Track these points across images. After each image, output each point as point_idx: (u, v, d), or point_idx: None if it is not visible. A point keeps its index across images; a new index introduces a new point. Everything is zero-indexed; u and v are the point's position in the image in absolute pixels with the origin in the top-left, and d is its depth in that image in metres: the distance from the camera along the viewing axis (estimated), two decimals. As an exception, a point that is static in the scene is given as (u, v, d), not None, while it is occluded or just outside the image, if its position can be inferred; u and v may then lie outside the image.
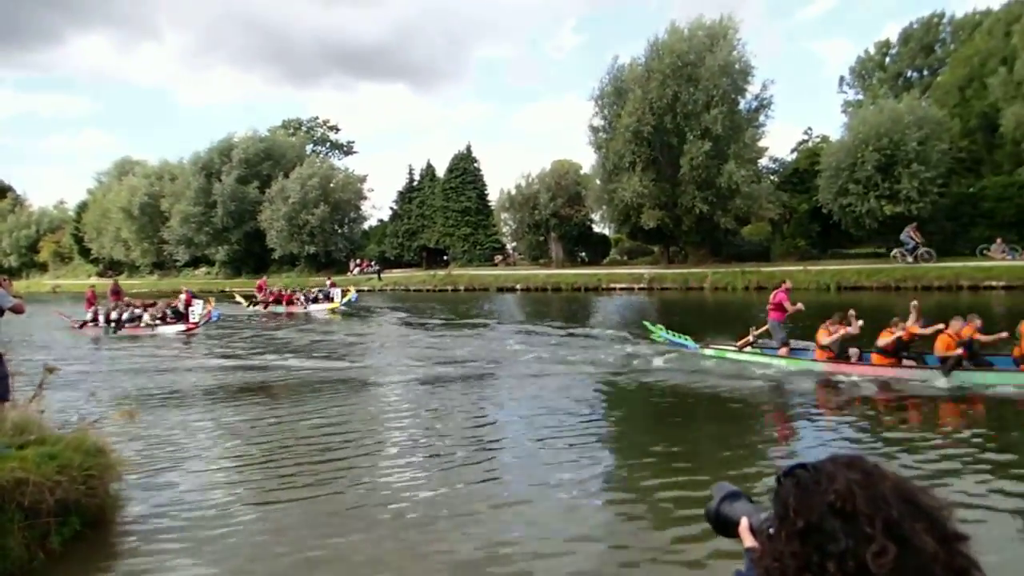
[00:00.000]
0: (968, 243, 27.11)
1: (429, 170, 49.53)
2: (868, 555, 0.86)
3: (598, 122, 34.56)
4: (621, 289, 31.39)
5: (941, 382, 9.25)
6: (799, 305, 11.74)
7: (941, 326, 9.69)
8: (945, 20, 46.29)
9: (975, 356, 9.47)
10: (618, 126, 32.23)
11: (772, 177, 35.30)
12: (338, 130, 70.41)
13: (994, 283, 22.71)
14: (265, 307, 27.86)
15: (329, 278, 32.66)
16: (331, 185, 49.09)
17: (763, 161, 34.89)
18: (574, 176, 40.82)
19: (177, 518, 5.55)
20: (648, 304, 25.47)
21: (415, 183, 49.94)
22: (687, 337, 13.00)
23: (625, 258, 42.65)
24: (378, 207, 70.95)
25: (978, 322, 9.56)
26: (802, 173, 33.95)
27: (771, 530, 0.99)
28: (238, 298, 29.87)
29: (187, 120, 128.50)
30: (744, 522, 1.23)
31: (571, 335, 16.43)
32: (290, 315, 26.11)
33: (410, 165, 51.38)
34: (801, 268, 27.83)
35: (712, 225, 32.21)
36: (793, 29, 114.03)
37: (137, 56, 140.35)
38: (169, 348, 17.19)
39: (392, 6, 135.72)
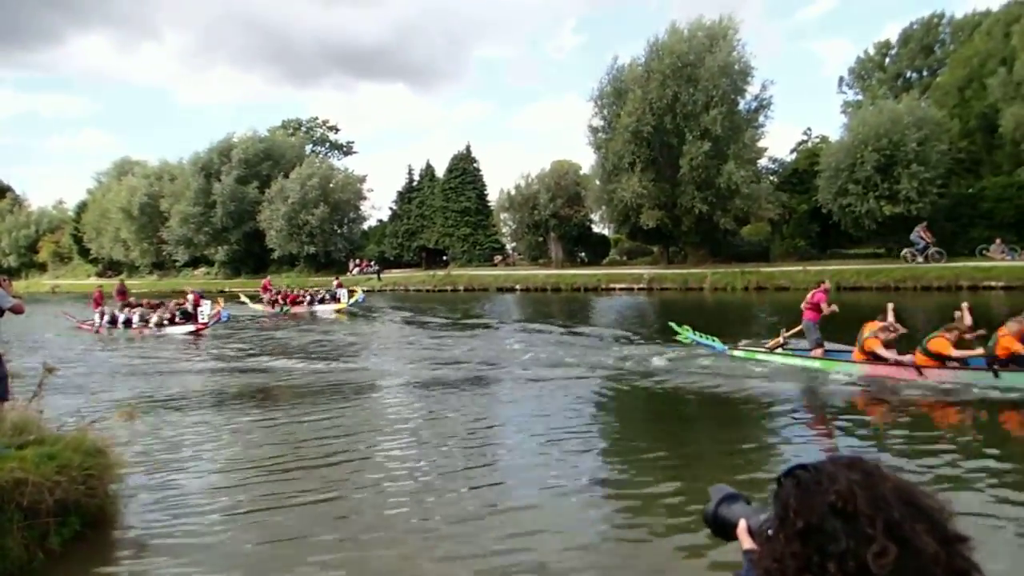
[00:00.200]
0: (967, 243, 27.13)
1: (429, 170, 49.53)
2: (869, 556, 0.86)
3: (598, 122, 34.60)
4: (621, 289, 31.39)
5: (987, 383, 8.84)
6: (833, 307, 11.36)
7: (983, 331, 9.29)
8: (944, 21, 46.32)
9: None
10: (618, 126, 32.23)
11: (772, 177, 35.30)
12: (338, 130, 70.54)
13: (993, 283, 22.73)
14: (273, 307, 27.69)
15: (336, 278, 32.52)
16: (331, 185, 49.08)
17: (763, 161, 34.92)
18: (574, 176, 40.81)
19: (177, 519, 5.55)
20: (648, 304, 25.48)
21: (415, 183, 49.93)
22: (714, 338, 12.74)
23: (625, 258, 42.66)
24: (378, 207, 70.77)
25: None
26: (802, 173, 33.96)
27: (770, 531, 1.00)
28: (243, 298, 29.72)
29: (187, 120, 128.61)
30: (742, 524, 1.22)
31: (571, 335, 16.43)
32: (296, 315, 25.95)
33: (410, 165, 51.44)
34: (801, 268, 27.84)
35: (712, 225, 32.22)
36: (793, 29, 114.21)
37: (137, 56, 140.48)
38: (174, 349, 17.12)
39: (392, 6, 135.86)
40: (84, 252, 65.40)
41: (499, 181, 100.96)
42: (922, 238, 26.20)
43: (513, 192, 41.64)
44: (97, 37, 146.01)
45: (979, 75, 32.65)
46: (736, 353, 12.10)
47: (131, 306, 22.48)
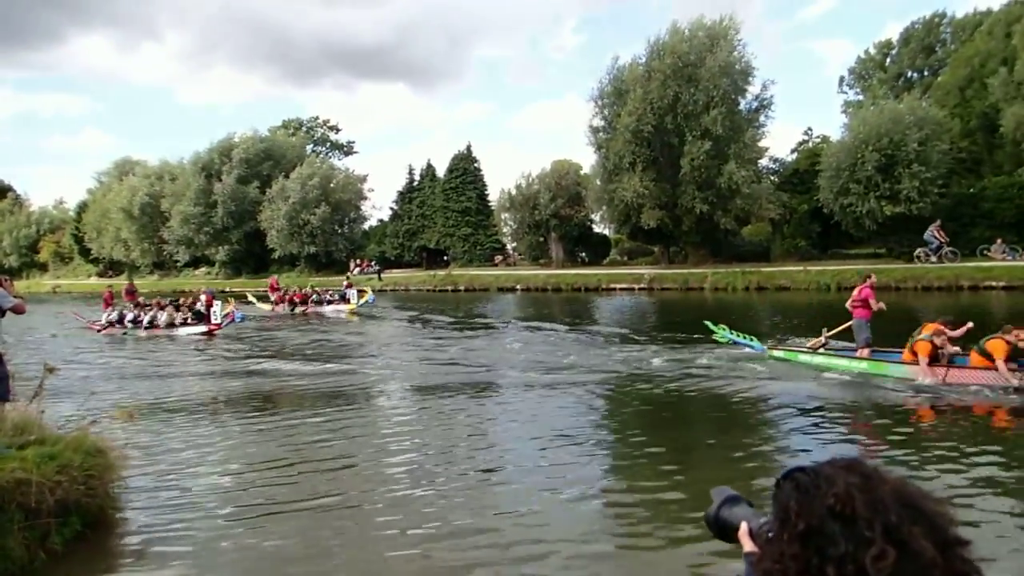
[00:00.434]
0: (968, 244, 27.10)
1: (429, 170, 49.53)
2: (867, 559, 0.86)
3: (598, 122, 34.59)
4: (621, 289, 31.40)
5: None
6: (881, 304, 10.90)
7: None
8: (945, 21, 46.27)
9: None
10: (618, 126, 32.23)
11: (772, 177, 35.27)
12: (338, 130, 70.56)
13: (994, 283, 22.72)
14: (281, 307, 27.56)
15: (347, 279, 32.36)
16: (331, 185, 49.09)
17: (763, 161, 34.86)
18: (574, 176, 40.82)
19: (178, 519, 5.55)
20: (648, 304, 25.48)
21: (415, 183, 49.93)
22: (752, 337, 12.46)
23: (625, 258, 42.67)
24: (378, 207, 70.86)
25: None
26: (802, 173, 33.95)
27: (770, 534, 1.00)
28: (250, 298, 29.56)
29: (188, 120, 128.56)
30: (744, 526, 1.22)
31: (572, 336, 16.44)
32: (306, 315, 25.81)
33: (410, 165, 51.41)
34: (801, 268, 27.85)
35: (712, 225, 32.21)
36: (793, 29, 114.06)
37: (137, 56, 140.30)
38: (180, 349, 17.08)
39: (392, 6, 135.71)
40: (85, 252, 65.43)
41: (500, 181, 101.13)
42: (936, 237, 26.00)
43: (514, 192, 41.65)
44: (98, 37, 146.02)
45: (980, 75, 32.62)
46: (776, 354, 11.76)
47: (141, 306, 22.27)
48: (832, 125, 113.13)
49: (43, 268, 71.32)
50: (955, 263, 24.97)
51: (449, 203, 46.88)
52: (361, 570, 4.70)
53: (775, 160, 37.26)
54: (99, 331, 21.46)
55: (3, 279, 7.19)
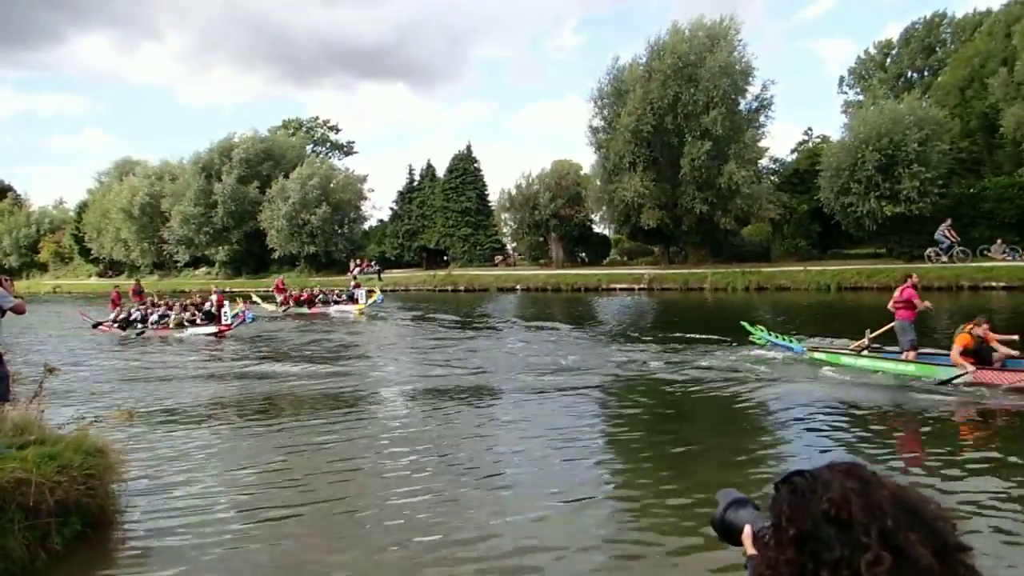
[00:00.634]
0: (968, 244, 27.08)
1: (429, 170, 49.54)
2: (863, 564, 0.85)
3: (598, 122, 34.61)
4: (621, 289, 31.41)
5: None
6: (927, 303, 10.61)
7: None
8: (946, 21, 46.27)
9: None
10: (618, 126, 32.23)
11: (772, 177, 35.30)
12: (338, 130, 70.61)
13: (994, 284, 22.73)
14: (287, 307, 27.40)
15: (354, 279, 32.27)
16: (331, 185, 49.09)
17: (763, 161, 34.90)
18: (574, 176, 40.83)
19: (178, 519, 5.55)
20: (648, 305, 25.48)
21: (415, 183, 49.94)
22: (792, 339, 12.10)
23: (625, 258, 42.68)
24: (378, 207, 71.00)
25: None
26: (802, 173, 33.96)
27: (767, 538, 0.99)
28: (255, 298, 29.40)
29: (188, 120, 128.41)
30: (747, 530, 1.21)
31: (572, 336, 16.44)
32: (312, 316, 25.70)
33: (410, 165, 51.43)
34: (801, 268, 27.87)
35: (712, 225, 32.21)
36: (793, 29, 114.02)
37: (137, 56, 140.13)
38: (185, 350, 17.00)
39: (392, 6, 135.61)
40: (85, 252, 65.44)
41: (499, 181, 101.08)
42: (947, 236, 25.87)
43: (514, 192, 41.66)
44: (98, 37, 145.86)
45: (980, 75, 32.61)
46: (817, 356, 11.37)
47: (154, 305, 21.98)
48: (832, 125, 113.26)
49: (43, 268, 71.33)
50: (966, 263, 24.90)
51: (449, 203, 46.88)
52: (361, 572, 4.69)
53: (775, 160, 37.35)
54: (107, 331, 21.29)
55: (3, 279, 7.20)
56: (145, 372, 13.65)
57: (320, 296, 27.84)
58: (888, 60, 49.41)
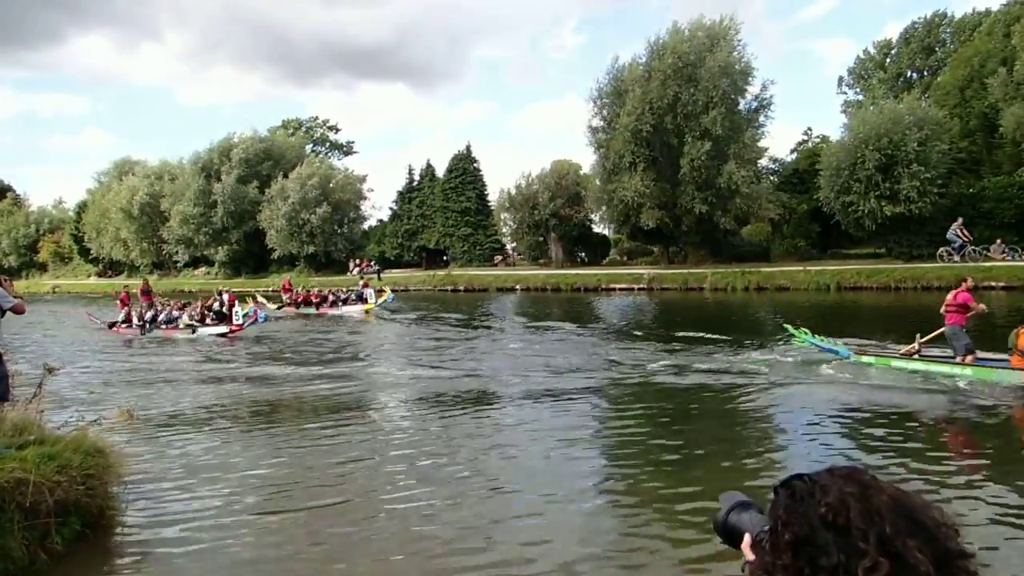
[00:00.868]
0: (968, 243, 27.12)
1: (429, 170, 49.51)
2: (860, 570, 0.85)
3: (598, 122, 34.57)
4: (621, 289, 31.40)
5: None
6: (982, 306, 10.20)
7: None
8: (946, 21, 46.30)
9: None
10: (618, 126, 32.21)
11: (772, 177, 35.29)
12: (338, 130, 70.52)
13: (994, 284, 22.72)
14: (295, 307, 27.32)
15: (363, 279, 32.19)
16: (331, 185, 49.06)
17: (763, 161, 34.87)
18: (574, 176, 40.81)
19: (178, 519, 5.54)
20: (648, 305, 25.47)
21: (415, 183, 49.91)
22: (838, 342, 11.70)
23: (625, 258, 42.67)
24: (378, 207, 70.81)
25: None
26: (802, 173, 33.95)
27: (764, 542, 0.99)
28: (260, 298, 29.30)
29: (187, 120, 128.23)
30: (747, 539, 1.20)
31: (572, 337, 16.44)
32: (320, 316, 25.57)
33: (410, 165, 51.40)
34: (801, 268, 27.87)
35: (712, 225, 32.20)
36: (793, 29, 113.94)
37: (137, 56, 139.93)
38: (193, 350, 16.91)
39: (392, 6, 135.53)
40: (84, 252, 65.36)
41: (499, 181, 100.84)
42: (959, 236, 25.70)
43: (513, 192, 41.64)
44: (98, 37, 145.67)
45: (980, 75, 32.61)
46: (865, 359, 11.04)
47: (159, 306, 21.89)
48: (832, 125, 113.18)
49: (43, 268, 71.24)
50: (979, 262, 24.84)
51: (449, 203, 46.86)
52: (362, 573, 4.69)
53: (775, 160, 37.33)
54: (122, 332, 21.12)
55: (3, 279, 7.19)
56: (146, 372, 13.63)
57: (331, 297, 27.61)
58: (888, 60, 49.43)
